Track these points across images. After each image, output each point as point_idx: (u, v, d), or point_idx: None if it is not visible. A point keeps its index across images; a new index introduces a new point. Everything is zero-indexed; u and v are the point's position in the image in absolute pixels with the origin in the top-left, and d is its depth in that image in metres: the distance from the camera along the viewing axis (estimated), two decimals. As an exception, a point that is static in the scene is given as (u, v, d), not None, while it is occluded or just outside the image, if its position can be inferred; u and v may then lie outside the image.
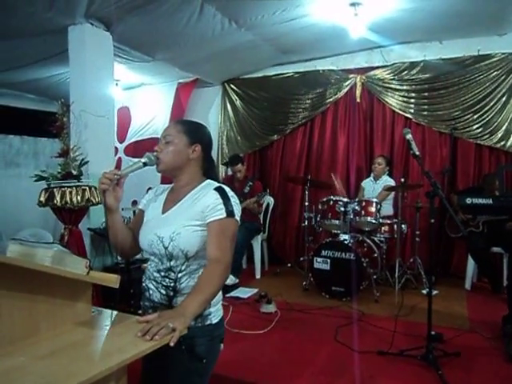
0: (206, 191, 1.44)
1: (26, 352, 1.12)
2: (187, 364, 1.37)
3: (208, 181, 1.51)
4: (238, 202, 1.45)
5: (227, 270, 1.36)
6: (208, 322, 1.42)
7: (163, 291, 1.43)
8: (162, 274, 1.44)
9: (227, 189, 1.44)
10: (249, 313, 3.79)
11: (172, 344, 1.16)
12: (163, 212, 1.50)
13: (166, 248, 1.40)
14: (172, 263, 1.42)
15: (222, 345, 1.49)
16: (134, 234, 1.55)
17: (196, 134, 1.52)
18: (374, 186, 4.86)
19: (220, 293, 1.46)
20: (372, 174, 4.99)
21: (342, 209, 4.40)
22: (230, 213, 1.38)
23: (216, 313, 1.45)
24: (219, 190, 1.42)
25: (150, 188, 5.85)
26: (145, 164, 1.49)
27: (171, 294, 1.42)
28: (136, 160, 1.53)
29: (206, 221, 1.39)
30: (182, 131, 1.49)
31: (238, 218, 1.41)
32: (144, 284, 1.51)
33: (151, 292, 1.47)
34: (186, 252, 1.39)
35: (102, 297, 3.51)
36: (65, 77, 5.06)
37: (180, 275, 1.42)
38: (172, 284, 1.42)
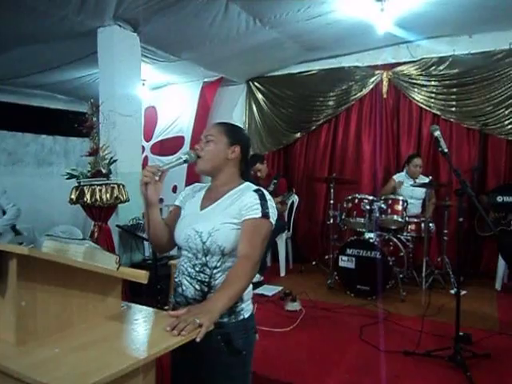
0: (244, 192, 1.47)
1: (61, 344, 1.16)
2: (228, 359, 1.42)
3: (247, 183, 1.54)
4: (274, 205, 1.47)
5: (256, 266, 1.38)
6: (241, 317, 1.46)
7: (197, 286, 1.45)
8: (197, 269, 1.46)
9: (266, 192, 1.48)
10: (273, 310, 3.80)
11: (198, 339, 1.19)
12: (201, 209, 1.53)
13: (203, 243, 1.43)
14: (207, 258, 1.45)
15: (256, 335, 1.54)
16: (170, 228, 1.59)
17: (236, 135, 1.56)
18: (413, 189, 4.54)
19: (250, 288, 1.49)
20: (407, 174, 4.75)
21: (368, 207, 4.35)
22: (265, 214, 1.41)
23: (247, 307, 1.48)
24: (258, 191, 1.46)
25: (175, 186, 5.94)
26: (185, 161, 1.54)
27: (206, 289, 1.45)
28: (177, 156, 1.58)
29: (242, 219, 1.42)
30: (222, 132, 1.53)
31: (272, 220, 1.43)
32: (177, 279, 1.53)
33: (184, 288, 1.49)
34: (223, 248, 1.42)
35: (130, 292, 3.60)
36: (94, 77, 5.19)
37: (215, 271, 1.45)
38: (207, 279, 1.44)
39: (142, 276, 1.38)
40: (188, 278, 1.48)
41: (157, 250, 1.69)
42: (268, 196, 1.46)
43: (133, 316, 1.40)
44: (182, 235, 1.50)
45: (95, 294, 1.33)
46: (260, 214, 1.40)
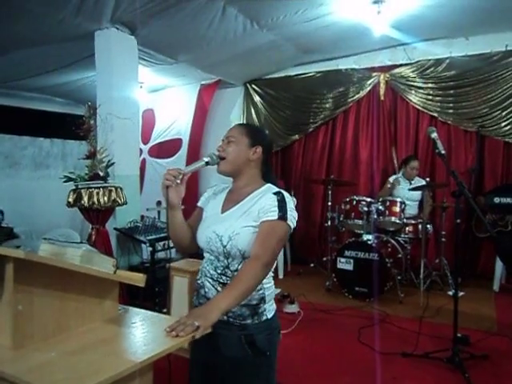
0: (265, 194, 1.46)
1: (57, 348, 1.16)
2: (252, 359, 1.42)
3: (269, 185, 1.53)
4: (294, 208, 1.46)
5: (265, 268, 1.36)
6: (264, 318, 1.45)
7: (220, 288, 1.45)
8: (219, 271, 1.47)
9: (287, 194, 1.46)
10: (271, 312, 3.79)
11: (197, 337, 1.19)
12: (222, 211, 1.53)
13: (224, 246, 1.42)
14: (229, 261, 1.45)
15: (280, 335, 1.54)
16: (192, 230, 1.59)
17: (257, 136, 1.55)
18: (409, 191, 4.52)
19: (273, 288, 1.51)
20: (403, 175, 4.75)
21: (366, 208, 4.36)
22: (281, 216, 1.39)
23: (270, 307, 1.49)
24: (278, 194, 1.44)
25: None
26: (207, 163, 1.52)
27: None
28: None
29: (259, 221, 1.42)
30: (244, 133, 1.53)
31: (290, 223, 1.41)
32: (199, 281, 1.54)
33: (207, 290, 1.49)
34: (243, 252, 1.41)
35: (128, 295, 3.59)
36: (91, 80, 5.19)
37: (236, 274, 1.45)
38: (229, 282, 1.44)
39: (139, 279, 1.38)
40: (210, 280, 1.48)
41: (180, 251, 1.70)
42: (288, 199, 1.44)
43: (130, 319, 1.39)
44: (203, 238, 1.50)
45: (92, 297, 1.33)
46: (276, 216, 1.39)
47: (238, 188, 1.54)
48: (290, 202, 1.44)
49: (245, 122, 6.22)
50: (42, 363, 1.08)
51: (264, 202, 1.43)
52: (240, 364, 1.43)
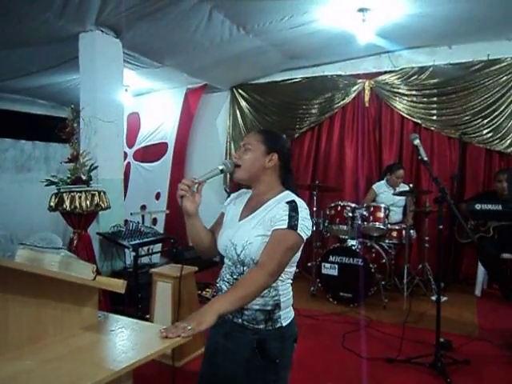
0: (279, 203, 1.45)
1: (33, 356, 1.13)
2: (260, 363, 1.42)
3: (287, 192, 1.51)
4: (308, 217, 1.44)
5: (269, 276, 1.35)
6: (278, 325, 1.44)
7: None
8: (235, 276, 1.48)
9: (301, 203, 1.44)
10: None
11: (183, 335, 1.18)
12: (240, 219, 1.53)
13: (238, 255, 1.44)
14: (244, 268, 1.46)
15: (295, 344, 1.53)
16: (212, 235, 1.61)
17: (274, 143, 1.54)
18: (393, 197, 4.62)
19: (290, 295, 1.51)
20: (387, 182, 4.81)
21: (350, 214, 4.38)
22: (291, 225, 1.38)
23: (286, 315, 1.47)
24: (291, 203, 1.42)
25: (159, 193, 5.90)
26: (222, 171, 1.52)
27: None
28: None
29: (271, 230, 1.41)
30: (260, 140, 1.52)
31: (301, 232, 1.39)
32: (218, 285, 1.55)
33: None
34: (256, 261, 1.41)
35: (111, 301, 3.54)
36: (75, 83, 5.13)
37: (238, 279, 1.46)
38: None
39: (119, 285, 1.36)
40: (227, 284, 1.50)
41: (202, 256, 1.70)
42: (301, 208, 1.42)
43: (109, 326, 1.37)
44: (221, 245, 1.53)
45: (71, 304, 1.30)
46: (286, 226, 1.38)
47: (256, 195, 1.55)
48: (303, 211, 1.43)
49: (231, 126, 6.24)
50: (17, 372, 1.05)
51: (276, 211, 1.42)
52: (248, 367, 1.43)
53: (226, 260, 1.54)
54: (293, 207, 1.41)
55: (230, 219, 1.57)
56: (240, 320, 1.44)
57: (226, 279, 1.51)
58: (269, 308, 1.43)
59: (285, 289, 1.48)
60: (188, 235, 1.58)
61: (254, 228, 1.45)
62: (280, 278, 1.44)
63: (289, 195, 1.48)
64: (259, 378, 1.43)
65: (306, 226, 1.41)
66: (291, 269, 1.49)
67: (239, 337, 1.44)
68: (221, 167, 1.52)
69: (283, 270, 1.41)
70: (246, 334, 1.43)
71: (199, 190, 1.51)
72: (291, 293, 1.52)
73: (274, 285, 1.42)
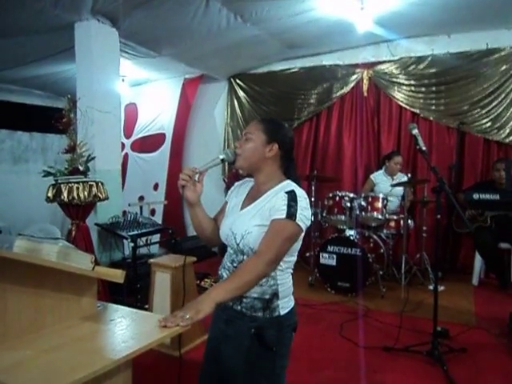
0: (278, 193, 1.45)
1: (32, 346, 1.14)
2: (257, 350, 1.43)
3: (287, 181, 1.51)
4: (307, 207, 1.44)
5: (266, 265, 1.37)
6: (276, 314, 1.46)
7: None
8: (235, 265, 1.49)
9: (300, 193, 1.44)
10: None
11: (182, 324, 1.21)
12: (241, 208, 1.54)
13: (237, 244, 1.46)
14: (244, 257, 1.47)
15: (293, 333, 1.55)
16: (215, 224, 1.62)
17: (275, 133, 1.53)
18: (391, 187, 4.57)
19: (290, 285, 1.52)
20: (385, 171, 4.82)
21: (348, 204, 4.38)
22: (290, 215, 1.38)
23: (285, 304, 1.49)
24: (290, 193, 1.42)
25: (157, 183, 5.88)
26: (223, 160, 1.54)
27: None
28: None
29: (270, 220, 1.42)
30: (261, 129, 1.52)
31: (300, 222, 1.39)
32: (220, 272, 1.57)
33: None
34: (254, 250, 1.42)
35: (110, 291, 3.55)
36: (72, 73, 5.08)
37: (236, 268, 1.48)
38: None
39: (117, 275, 1.36)
40: (227, 272, 1.52)
41: (207, 244, 1.71)
42: (300, 198, 1.42)
43: (108, 316, 1.37)
44: (222, 233, 1.55)
45: (69, 294, 1.31)
46: (284, 215, 1.38)
47: (258, 185, 1.56)
48: (303, 201, 1.43)
49: (228, 116, 6.21)
50: (16, 362, 1.06)
51: (275, 201, 1.43)
52: (246, 354, 1.45)
53: (228, 248, 1.56)
54: (292, 197, 1.41)
55: (232, 208, 1.59)
56: (239, 307, 1.46)
57: (226, 267, 1.53)
58: (267, 297, 1.44)
59: (284, 278, 1.48)
60: (192, 224, 1.61)
61: (253, 217, 1.46)
62: (279, 267, 1.45)
63: (289, 185, 1.48)
64: (257, 365, 1.45)
65: (305, 216, 1.41)
66: (291, 258, 1.50)
67: (238, 323, 1.46)
68: (222, 156, 1.53)
69: (281, 259, 1.42)
70: (245, 321, 1.45)
71: (200, 179, 1.53)
72: (291, 282, 1.53)
73: (272, 274, 1.43)
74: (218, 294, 1.30)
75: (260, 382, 1.45)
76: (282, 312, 1.47)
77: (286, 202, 1.40)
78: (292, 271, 1.54)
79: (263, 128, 1.53)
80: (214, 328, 1.58)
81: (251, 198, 1.54)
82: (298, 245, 1.48)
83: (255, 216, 1.45)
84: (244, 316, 1.46)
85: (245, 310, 1.45)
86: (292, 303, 1.54)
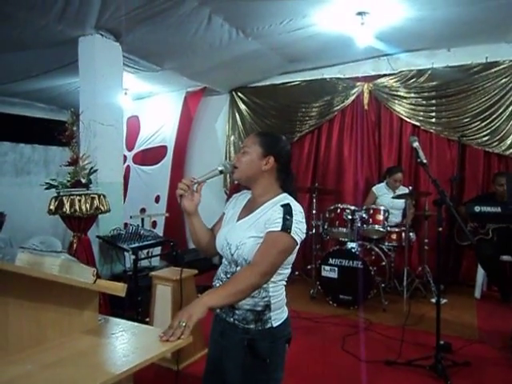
0: (274, 206, 1.47)
1: (34, 360, 1.14)
2: (251, 362, 1.44)
3: (284, 195, 1.53)
4: (303, 221, 1.46)
5: (260, 276, 1.37)
6: (268, 326, 1.46)
7: None
8: (228, 276, 1.50)
9: (295, 207, 1.45)
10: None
11: (184, 337, 1.23)
12: (238, 219, 1.56)
13: (232, 255, 1.47)
14: (237, 268, 1.48)
15: (287, 345, 1.54)
16: (212, 234, 1.64)
17: (271, 146, 1.55)
18: (393, 200, 4.58)
19: (283, 297, 1.52)
20: (387, 184, 4.83)
21: (350, 217, 4.38)
22: (285, 228, 1.40)
23: (277, 316, 1.49)
24: (286, 206, 1.44)
25: (158, 196, 5.89)
26: (221, 172, 1.56)
27: None
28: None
29: (265, 232, 1.43)
30: (257, 143, 1.55)
31: (295, 235, 1.40)
32: (214, 283, 1.59)
33: None
34: (248, 262, 1.43)
35: (110, 304, 3.54)
36: (75, 86, 5.14)
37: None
38: None
39: (119, 289, 1.36)
40: (220, 283, 1.53)
41: (204, 254, 1.73)
42: (296, 211, 1.44)
43: (110, 330, 1.37)
44: (218, 244, 1.57)
45: (71, 307, 1.31)
46: (279, 228, 1.40)
47: (255, 197, 1.58)
48: (298, 214, 1.44)
49: (230, 129, 6.24)
50: (17, 376, 1.05)
51: (271, 213, 1.45)
52: (240, 365, 1.46)
53: (223, 259, 1.57)
54: (287, 210, 1.43)
55: (229, 219, 1.61)
56: (232, 319, 1.48)
57: (220, 277, 1.55)
58: (259, 309, 1.45)
59: (276, 290, 1.49)
60: (190, 234, 1.63)
61: (248, 229, 1.48)
62: (272, 279, 1.45)
63: (285, 198, 1.50)
64: (251, 377, 1.46)
65: (299, 229, 1.43)
66: (285, 271, 1.51)
67: (232, 335, 1.49)
68: (220, 168, 1.56)
69: (275, 271, 1.43)
70: (238, 332, 1.47)
71: (198, 189, 1.56)
72: (283, 294, 1.53)
73: (264, 286, 1.44)
74: (210, 299, 1.32)
75: None
76: (275, 324, 1.48)
77: (282, 215, 1.41)
78: (285, 283, 1.54)
79: (260, 141, 1.55)
80: (212, 342, 1.60)
81: (248, 209, 1.56)
82: (292, 258, 1.49)
83: (250, 228, 1.47)
84: (237, 328, 1.47)
85: (237, 322, 1.47)
86: (285, 315, 1.54)
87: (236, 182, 5.19)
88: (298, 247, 1.47)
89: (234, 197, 1.70)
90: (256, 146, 1.54)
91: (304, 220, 1.46)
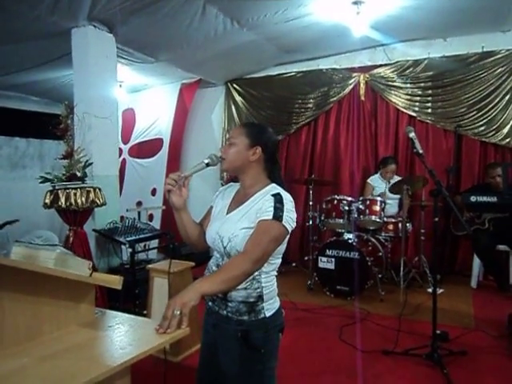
0: (264, 196, 1.48)
1: (30, 353, 1.13)
2: (246, 353, 1.46)
3: (272, 185, 1.54)
4: (293, 210, 1.47)
5: (252, 263, 1.37)
6: (261, 316, 1.47)
7: None
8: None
9: (286, 196, 1.47)
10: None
11: (183, 326, 1.22)
12: (228, 212, 1.56)
13: (224, 247, 1.47)
14: None
15: (280, 334, 1.55)
16: (201, 228, 1.63)
17: (257, 136, 1.55)
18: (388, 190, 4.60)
19: (274, 287, 1.53)
20: (381, 175, 4.85)
21: (346, 208, 4.38)
22: (276, 217, 1.40)
23: (270, 306, 1.50)
24: (276, 195, 1.45)
25: (154, 189, 5.86)
26: (207, 164, 1.55)
27: None
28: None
29: (256, 221, 1.44)
30: (243, 133, 1.54)
31: (286, 224, 1.42)
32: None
33: None
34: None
35: (108, 297, 3.54)
36: (69, 79, 5.08)
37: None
38: None
39: (115, 282, 1.35)
40: None
41: (194, 249, 1.72)
42: (286, 200, 1.45)
43: (106, 322, 1.37)
44: (209, 237, 1.56)
45: (67, 301, 1.30)
46: (271, 217, 1.40)
47: (243, 188, 1.58)
48: (289, 203, 1.46)
49: (226, 121, 6.21)
50: (13, 370, 1.05)
51: (262, 203, 1.46)
52: (235, 357, 1.47)
53: (214, 252, 1.57)
54: (278, 199, 1.44)
55: (218, 212, 1.60)
56: (225, 312, 1.48)
57: (211, 271, 1.55)
58: (252, 300, 1.46)
59: (268, 281, 1.50)
60: (178, 229, 1.61)
61: (239, 220, 1.48)
62: (264, 269, 1.47)
63: (274, 188, 1.51)
64: (246, 368, 1.47)
65: (290, 218, 1.44)
66: (276, 260, 1.52)
67: (225, 328, 1.49)
68: (206, 161, 1.55)
69: (267, 259, 1.43)
70: (231, 325, 1.47)
71: (186, 184, 1.54)
72: (275, 284, 1.54)
73: (256, 277, 1.45)
74: (202, 286, 1.31)
75: None
76: (268, 314, 1.49)
77: (273, 204, 1.42)
78: (277, 273, 1.55)
79: (246, 132, 1.55)
80: (205, 333, 1.61)
81: (237, 201, 1.56)
82: (282, 247, 1.50)
83: (242, 219, 1.47)
84: (230, 320, 1.48)
85: (230, 314, 1.47)
86: (277, 304, 1.55)
87: (232, 175, 5.18)
88: (288, 237, 1.48)
89: (221, 189, 1.70)
90: (243, 136, 1.53)
91: (294, 209, 1.47)
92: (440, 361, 2.70)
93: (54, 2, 3.34)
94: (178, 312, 1.22)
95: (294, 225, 1.45)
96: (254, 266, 1.39)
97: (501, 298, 4.14)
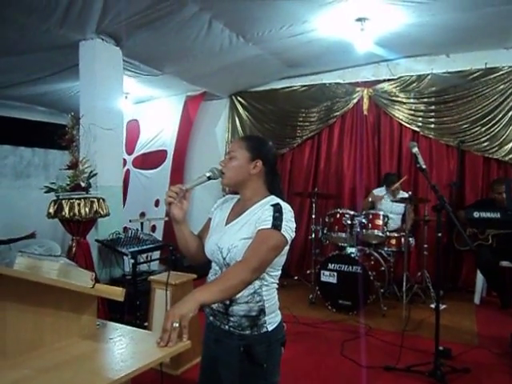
0: (263, 206, 1.48)
1: (31, 364, 1.13)
2: (248, 368, 1.44)
3: (272, 197, 1.53)
4: (292, 220, 1.46)
5: (250, 272, 1.35)
6: (264, 330, 1.46)
7: None
8: None
9: (285, 206, 1.46)
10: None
11: (185, 339, 1.20)
12: (226, 223, 1.55)
13: (224, 258, 1.46)
14: None
15: (282, 348, 1.53)
16: (200, 241, 1.63)
17: (258, 149, 1.55)
18: (392, 204, 4.66)
19: (276, 301, 1.52)
20: (387, 191, 4.82)
21: (349, 221, 4.38)
22: (275, 226, 1.40)
23: (272, 320, 1.49)
24: (276, 206, 1.45)
25: (157, 200, 5.86)
26: (209, 178, 1.54)
27: (227, 302, 1.46)
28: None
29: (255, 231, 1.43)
30: (244, 147, 1.54)
31: (285, 233, 1.41)
32: None
33: None
34: None
35: (109, 308, 3.53)
36: (75, 90, 5.15)
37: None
38: None
39: (117, 293, 1.35)
40: None
41: (192, 262, 1.71)
42: (286, 210, 1.45)
43: (108, 335, 1.36)
44: (208, 249, 1.55)
45: (69, 312, 1.30)
46: (270, 225, 1.40)
47: (243, 200, 1.58)
48: (288, 213, 1.45)
49: (229, 134, 6.25)
50: (15, 381, 1.04)
51: (261, 213, 1.45)
52: (237, 372, 1.45)
53: (213, 264, 1.56)
54: (277, 209, 1.43)
55: (217, 224, 1.60)
56: (226, 327, 1.47)
57: None
58: (253, 314, 1.45)
59: (269, 294, 1.49)
60: (177, 242, 1.60)
61: (238, 231, 1.47)
62: (265, 282, 1.46)
63: (273, 199, 1.51)
64: (249, 383, 1.45)
65: (290, 228, 1.43)
66: (277, 272, 1.51)
67: (227, 343, 1.47)
68: (208, 174, 1.54)
69: (265, 268, 1.42)
70: (233, 339, 1.46)
71: (187, 196, 1.53)
72: (276, 297, 1.53)
73: (258, 290, 1.45)
74: (201, 295, 1.28)
75: None
76: (270, 328, 1.47)
77: (272, 214, 1.42)
78: (277, 286, 1.54)
79: (246, 145, 1.54)
80: (206, 348, 1.59)
81: (236, 212, 1.56)
82: (282, 258, 1.50)
83: (241, 230, 1.47)
84: (232, 335, 1.46)
85: (232, 329, 1.46)
86: (279, 318, 1.54)
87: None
88: (290, 250, 1.47)
89: (219, 202, 1.69)
90: (243, 150, 1.53)
91: (293, 219, 1.47)
92: (443, 378, 2.67)
93: (63, 15, 3.40)
94: (177, 324, 1.20)
95: (293, 234, 1.45)
96: (252, 275, 1.37)
97: (504, 315, 4.10)
